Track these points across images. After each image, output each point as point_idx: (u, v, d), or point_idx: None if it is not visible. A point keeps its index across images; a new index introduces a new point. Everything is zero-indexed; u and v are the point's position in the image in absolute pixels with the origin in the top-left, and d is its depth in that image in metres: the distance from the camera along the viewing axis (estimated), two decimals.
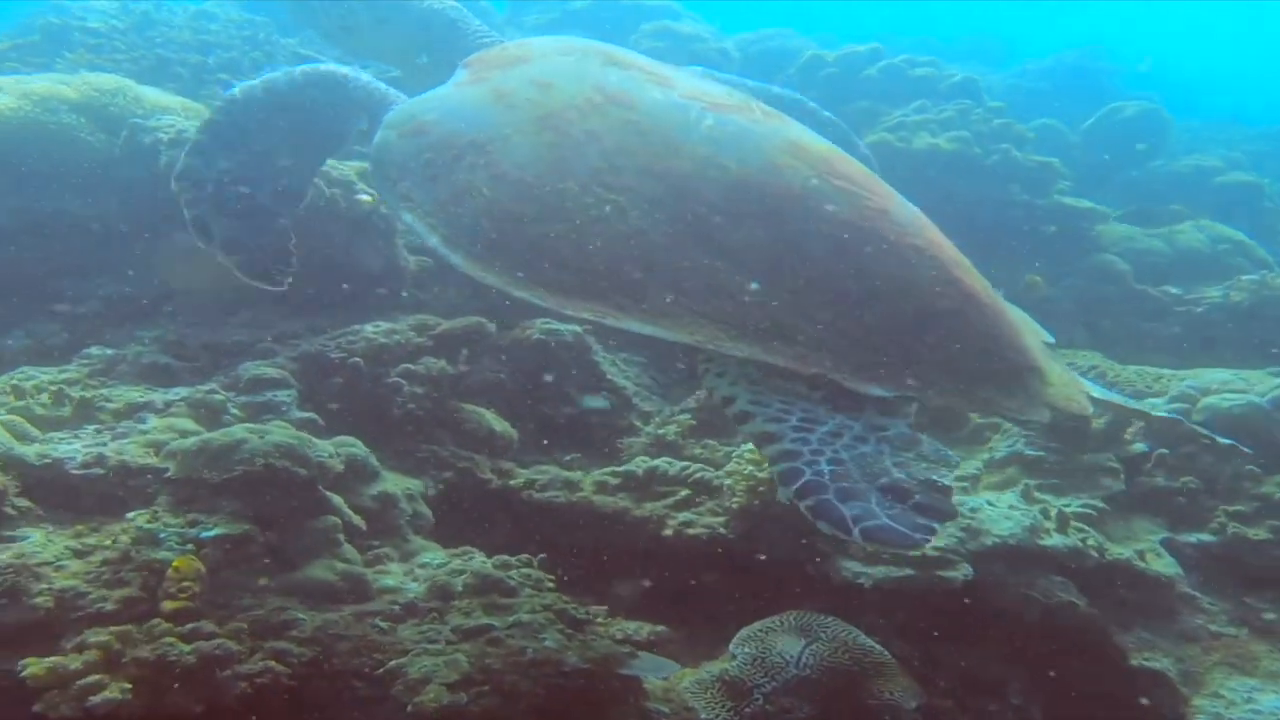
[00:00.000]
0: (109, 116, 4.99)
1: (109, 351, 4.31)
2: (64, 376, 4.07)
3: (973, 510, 4.20)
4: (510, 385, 4.87)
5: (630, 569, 4.18)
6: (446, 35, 4.00)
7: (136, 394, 3.92)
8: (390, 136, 3.16)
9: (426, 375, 4.37)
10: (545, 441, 4.84)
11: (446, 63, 3.64)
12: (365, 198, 4.92)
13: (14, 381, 3.83)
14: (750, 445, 4.16)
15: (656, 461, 4.41)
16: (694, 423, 4.94)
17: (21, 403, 3.72)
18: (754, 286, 2.73)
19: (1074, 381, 3.30)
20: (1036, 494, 4.37)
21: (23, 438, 3.47)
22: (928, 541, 2.40)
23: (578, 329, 5.07)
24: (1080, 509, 4.33)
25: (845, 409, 2.74)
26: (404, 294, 5.10)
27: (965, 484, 4.70)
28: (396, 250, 5.07)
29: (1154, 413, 3.95)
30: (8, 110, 4.75)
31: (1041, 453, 4.66)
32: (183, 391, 3.95)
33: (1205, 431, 3.92)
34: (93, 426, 3.68)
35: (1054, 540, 4.06)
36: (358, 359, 4.26)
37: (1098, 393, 3.41)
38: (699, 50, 9.25)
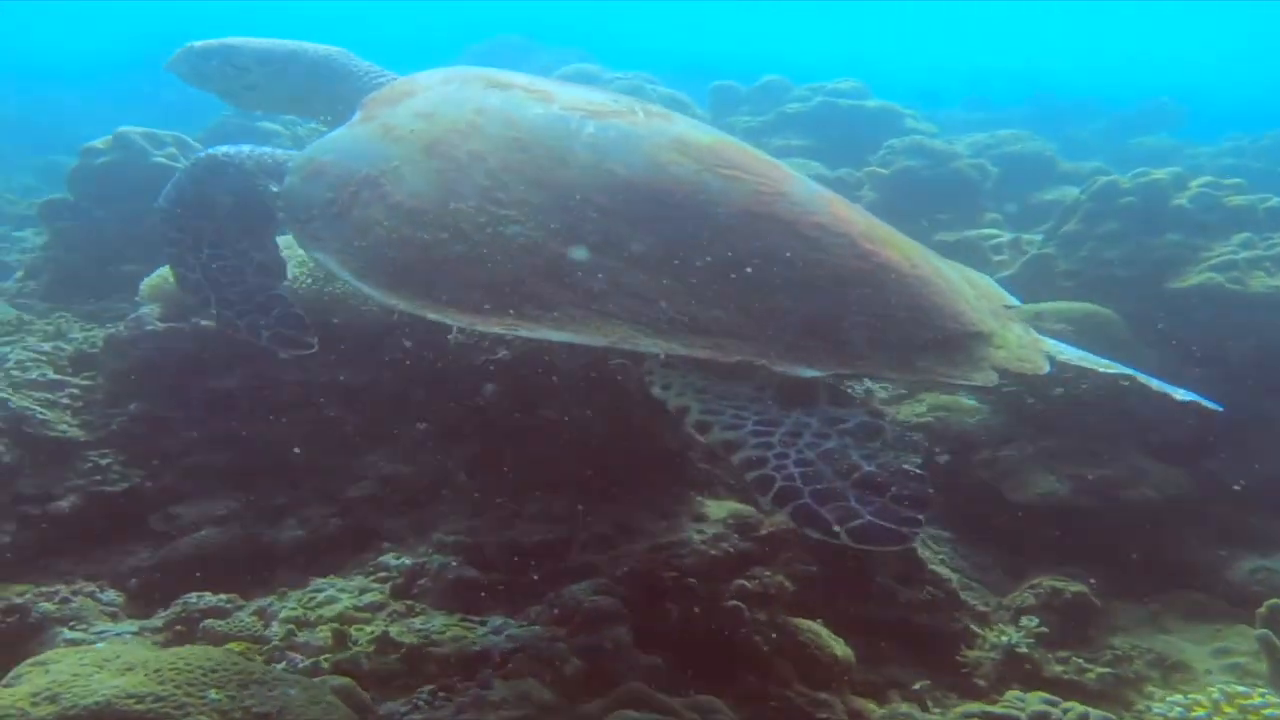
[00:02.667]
0: None
1: (406, 562, 3.83)
2: (368, 601, 3.60)
3: None
4: (821, 577, 4.24)
5: None
6: (340, 80, 4.03)
7: (462, 631, 3.40)
8: (295, 182, 3.27)
9: (764, 593, 3.77)
10: (872, 646, 4.19)
11: (347, 105, 3.75)
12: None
13: (338, 627, 3.35)
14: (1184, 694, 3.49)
15: (1039, 705, 3.70)
16: (1045, 629, 4.21)
17: (346, 653, 3.24)
18: (651, 280, 2.79)
19: (1032, 342, 3.27)
20: None
21: (363, 711, 2.98)
22: (916, 535, 2.37)
23: None
24: None
25: (798, 405, 2.74)
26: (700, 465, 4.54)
27: None
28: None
29: (1105, 370, 3.64)
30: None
31: None
32: (514, 629, 3.42)
33: (1161, 386, 3.57)
34: (427, 690, 3.16)
35: None
36: (692, 580, 3.67)
37: (1069, 354, 3.39)
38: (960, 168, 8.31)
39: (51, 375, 4.26)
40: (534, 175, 3.01)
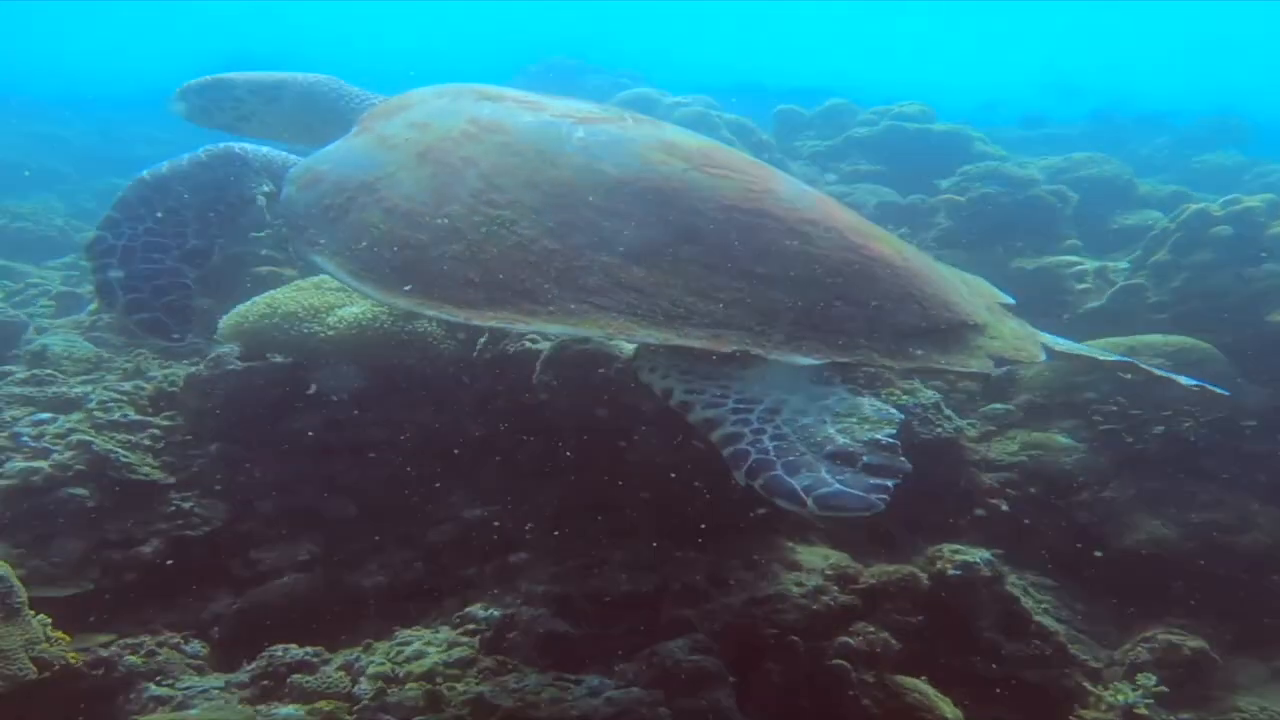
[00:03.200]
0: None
1: (495, 613, 3.70)
2: (457, 656, 3.47)
3: None
4: (928, 633, 4.03)
5: None
6: (332, 103, 4.17)
7: (558, 691, 3.25)
8: (292, 191, 3.37)
9: (869, 651, 3.58)
10: (981, 706, 3.97)
11: (341, 127, 3.85)
12: None
13: (430, 687, 3.22)
14: None
15: None
16: (1165, 689, 3.97)
17: (441, 716, 3.11)
18: (646, 274, 2.84)
19: (1029, 335, 3.32)
20: None
21: None
22: (884, 502, 2.38)
23: (987, 554, 4.21)
24: None
25: (781, 385, 2.78)
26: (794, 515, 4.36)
27: None
28: None
29: (1107, 358, 3.81)
30: (364, 319, 4.28)
31: None
32: (612, 691, 3.26)
33: (1164, 372, 3.73)
34: None
35: None
36: (794, 638, 3.50)
37: (1062, 345, 3.47)
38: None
39: (133, 416, 4.21)
40: (526, 176, 3.09)
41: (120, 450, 3.99)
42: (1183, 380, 3.65)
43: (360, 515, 4.17)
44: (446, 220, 3.01)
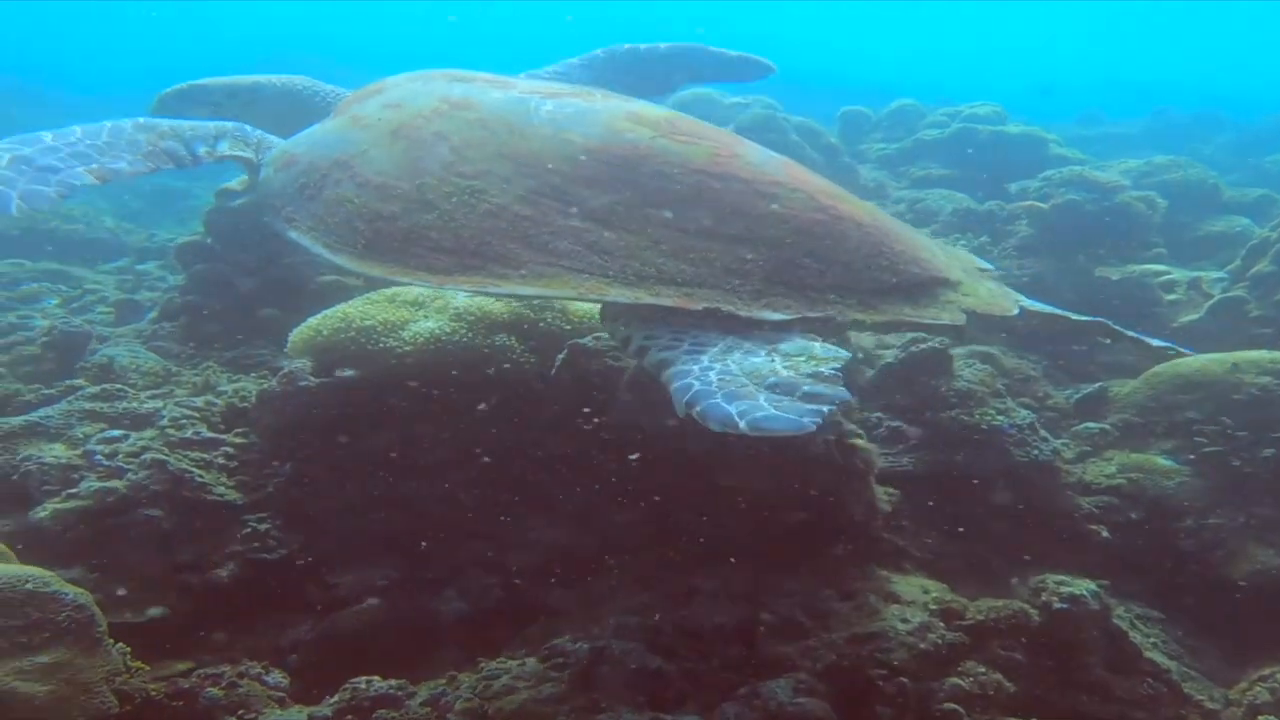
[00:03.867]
0: (539, 334, 4.32)
1: (584, 646, 3.53)
2: (548, 693, 3.31)
3: None
4: (1034, 670, 3.81)
5: None
6: (307, 100, 4.40)
7: None
8: (269, 173, 3.54)
9: (982, 694, 3.37)
10: None
11: (319, 119, 3.98)
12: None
13: None
14: None
15: None
16: None
17: None
18: (616, 237, 2.90)
19: (1003, 294, 3.40)
20: None
21: None
22: (816, 423, 2.37)
23: (1093, 586, 3.97)
24: None
25: (737, 330, 2.81)
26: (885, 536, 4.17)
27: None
28: (873, 492, 4.12)
29: (1076, 318, 3.79)
30: (441, 334, 4.14)
31: None
32: None
33: (1133, 334, 3.82)
34: None
35: None
36: (903, 679, 3.30)
37: (1036, 306, 3.51)
38: None
39: (206, 433, 4.10)
40: (495, 148, 3.18)
41: (195, 470, 3.89)
42: (1153, 342, 3.85)
43: (438, 538, 4.03)
44: (418, 192, 3.10)
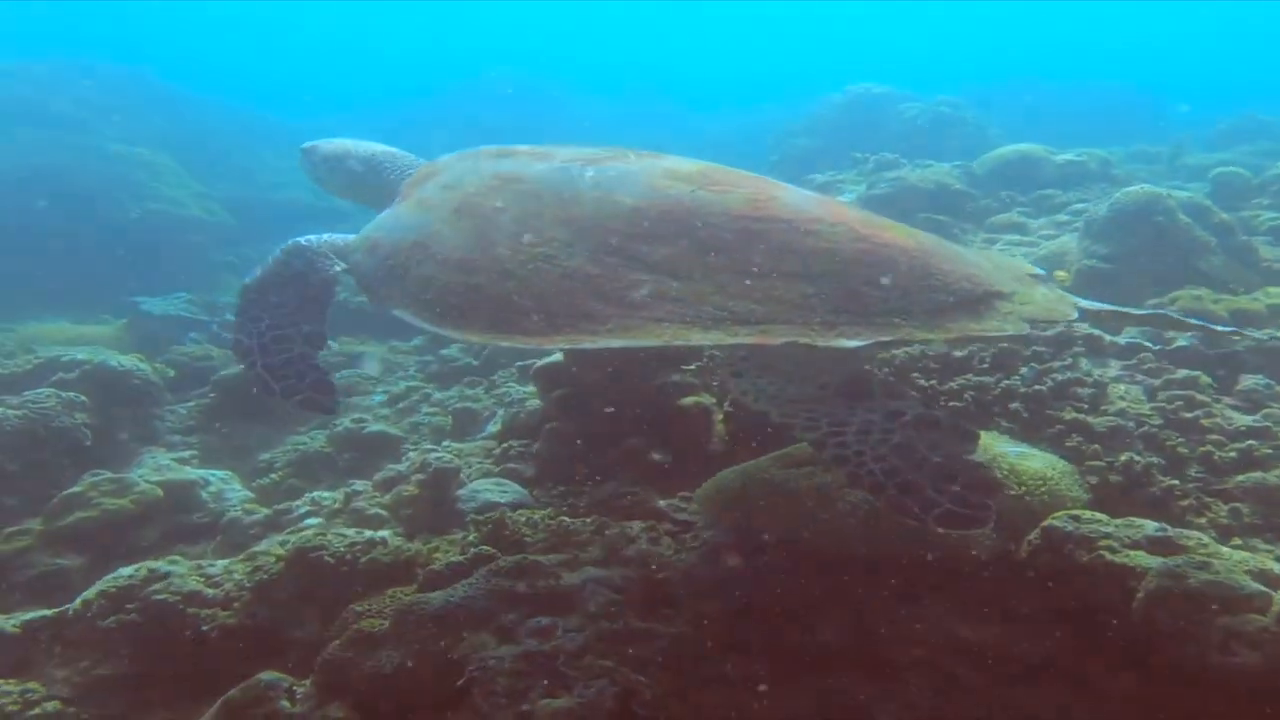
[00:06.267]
0: None
1: None
2: None
3: None
4: None
5: None
6: (383, 169, 4.77)
7: None
8: (359, 258, 3.92)
9: None
10: None
11: (391, 194, 4.42)
12: None
13: None
14: None
15: None
16: None
17: None
18: (683, 286, 3.13)
19: (1060, 298, 3.51)
20: None
21: None
22: (991, 519, 2.75)
23: None
24: None
25: (859, 401, 3.15)
26: None
27: None
28: None
29: (1136, 312, 4.16)
30: None
31: None
32: None
33: (1196, 321, 4.01)
34: None
35: None
36: None
37: (1093, 305, 3.70)
38: None
39: (635, 623, 3.72)
40: (552, 216, 3.44)
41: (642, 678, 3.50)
42: (1216, 327, 3.93)
43: None
44: (495, 263, 3.36)
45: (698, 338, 2.99)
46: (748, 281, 3.11)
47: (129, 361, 7.84)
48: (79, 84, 21.88)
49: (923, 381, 4.65)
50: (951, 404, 4.47)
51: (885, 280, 3.13)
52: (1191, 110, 22.39)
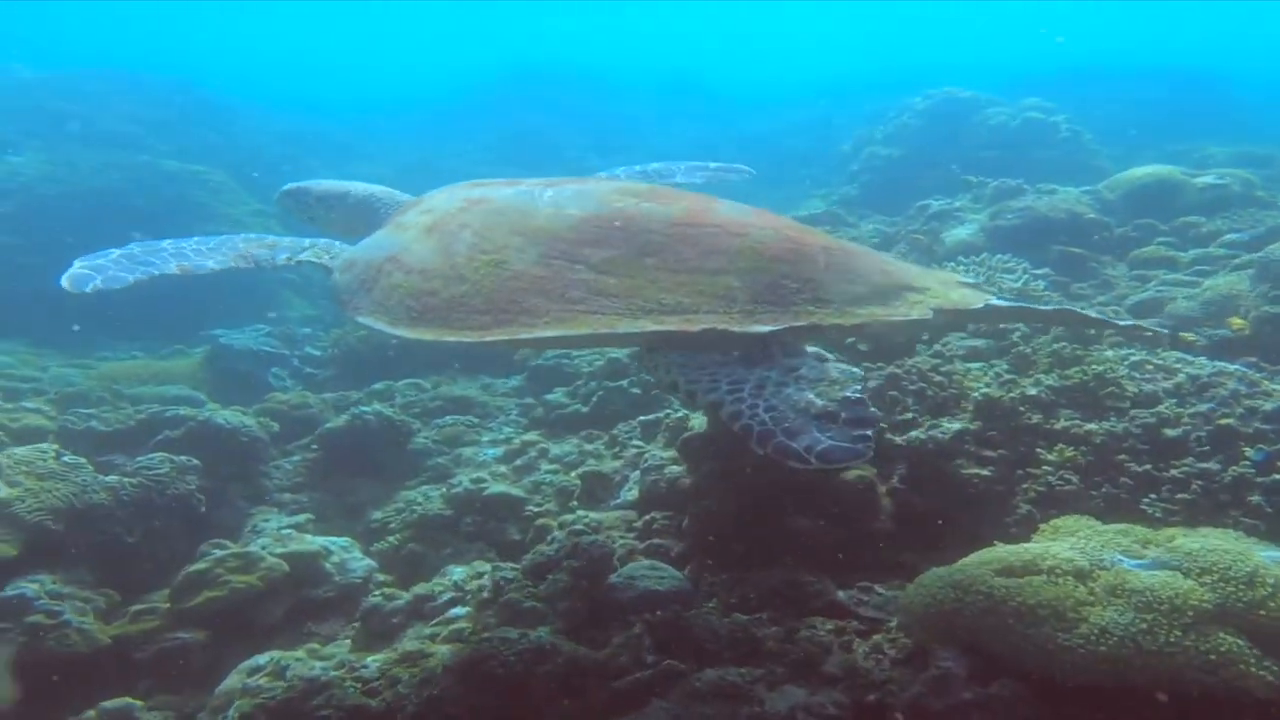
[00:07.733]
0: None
1: None
2: None
3: None
4: None
5: None
6: (374, 210, 5.01)
7: None
8: (336, 276, 4.22)
9: None
10: None
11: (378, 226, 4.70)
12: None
13: None
14: None
15: None
16: None
17: None
18: (618, 283, 3.44)
19: (975, 295, 3.74)
20: None
21: None
22: (870, 450, 2.93)
23: None
24: None
25: (760, 363, 3.35)
26: None
27: None
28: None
29: (1043, 309, 4.72)
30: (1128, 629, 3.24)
31: None
32: None
33: (1100, 314, 4.49)
34: None
35: None
36: None
37: (1003, 302, 4.12)
38: None
39: None
40: (509, 227, 3.78)
41: None
42: (1120, 323, 4.47)
43: None
44: (452, 269, 3.69)
45: (625, 326, 3.30)
46: (677, 277, 3.43)
47: (234, 418, 7.67)
48: (127, 97, 21.84)
49: (1135, 467, 4.32)
50: (1179, 496, 4.13)
51: (806, 273, 3.45)
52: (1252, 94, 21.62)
